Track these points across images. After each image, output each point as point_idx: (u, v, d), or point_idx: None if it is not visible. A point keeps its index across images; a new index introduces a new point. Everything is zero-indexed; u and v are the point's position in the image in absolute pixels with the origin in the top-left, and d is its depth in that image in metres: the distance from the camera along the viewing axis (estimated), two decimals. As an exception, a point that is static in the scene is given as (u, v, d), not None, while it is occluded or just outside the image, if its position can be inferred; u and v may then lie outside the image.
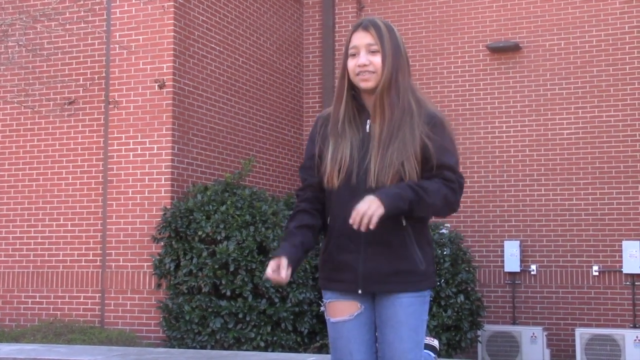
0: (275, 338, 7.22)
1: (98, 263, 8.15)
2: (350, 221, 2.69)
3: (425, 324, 2.91)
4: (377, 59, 2.86)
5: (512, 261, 9.53)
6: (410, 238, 2.84)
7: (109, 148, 8.18)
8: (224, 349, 7.18)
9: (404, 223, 2.84)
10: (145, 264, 7.88)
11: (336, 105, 2.95)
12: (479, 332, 8.74)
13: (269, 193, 8.60)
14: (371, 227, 2.67)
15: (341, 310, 2.91)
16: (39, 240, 8.42)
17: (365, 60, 2.86)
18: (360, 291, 2.85)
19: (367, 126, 2.90)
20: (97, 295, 8.12)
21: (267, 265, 2.85)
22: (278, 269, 2.80)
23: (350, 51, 2.90)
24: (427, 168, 2.83)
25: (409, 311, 2.83)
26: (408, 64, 2.95)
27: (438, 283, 7.90)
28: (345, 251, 2.87)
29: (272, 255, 2.92)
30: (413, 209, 2.75)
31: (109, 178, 8.15)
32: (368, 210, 2.67)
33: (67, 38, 8.53)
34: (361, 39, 2.89)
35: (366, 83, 2.88)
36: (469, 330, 8.12)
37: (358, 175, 2.84)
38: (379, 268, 2.83)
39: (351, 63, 2.90)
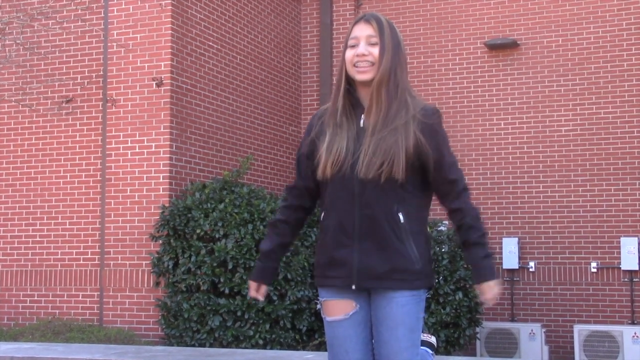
0: (273, 336, 7.22)
1: (96, 261, 8.15)
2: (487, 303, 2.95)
3: (421, 322, 2.90)
4: (376, 51, 2.87)
5: (510, 258, 9.54)
6: (407, 235, 2.82)
7: (107, 146, 8.18)
8: (223, 346, 7.18)
9: (402, 220, 2.82)
10: (144, 262, 7.87)
11: (335, 97, 2.95)
12: (477, 329, 8.74)
13: (267, 191, 8.60)
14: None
15: (337, 309, 2.90)
16: (37, 239, 8.42)
17: (364, 50, 2.86)
18: (354, 287, 2.84)
19: (361, 121, 2.89)
20: (95, 293, 8.12)
21: (248, 282, 3.17)
22: (258, 291, 3.09)
23: (350, 42, 2.91)
24: (436, 175, 2.87)
25: (404, 310, 2.82)
26: (406, 62, 2.96)
27: (436, 280, 7.90)
28: (339, 246, 2.86)
29: (253, 276, 3.12)
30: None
31: (107, 176, 8.14)
32: (496, 295, 2.90)
33: (64, 36, 8.52)
34: (362, 30, 2.89)
35: (362, 75, 2.87)
36: (467, 327, 8.13)
37: (350, 167, 2.83)
38: (373, 264, 2.81)
39: (349, 53, 2.90)
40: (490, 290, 2.87)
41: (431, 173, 2.87)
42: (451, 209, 2.91)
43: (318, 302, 3.06)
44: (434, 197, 3.01)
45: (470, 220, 2.88)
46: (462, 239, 2.91)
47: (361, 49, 2.86)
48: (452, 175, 2.88)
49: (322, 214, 2.94)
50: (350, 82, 2.93)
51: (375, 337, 2.88)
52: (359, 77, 2.88)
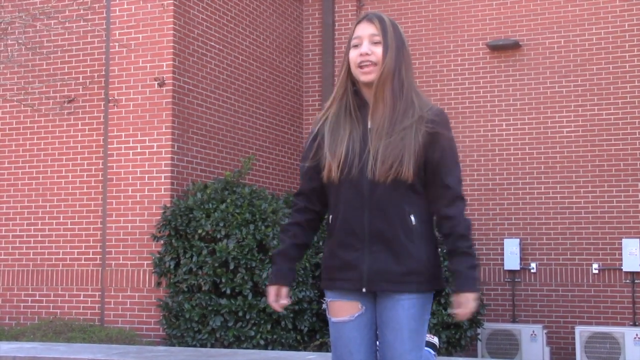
0: (275, 336, 7.22)
1: (98, 261, 8.15)
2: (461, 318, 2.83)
3: (426, 324, 2.87)
4: (379, 50, 2.83)
5: (512, 259, 9.54)
6: (418, 237, 2.80)
7: (108, 146, 8.18)
8: (224, 347, 7.18)
9: (413, 222, 2.79)
10: (145, 262, 7.87)
11: (336, 99, 2.91)
12: (478, 330, 8.74)
13: (268, 191, 8.60)
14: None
15: (342, 310, 2.87)
16: (39, 239, 8.42)
17: (367, 50, 2.82)
18: (364, 290, 2.81)
19: (368, 122, 2.84)
20: (97, 293, 8.12)
21: (267, 290, 3.00)
22: (277, 298, 2.94)
23: (353, 42, 2.87)
24: (431, 177, 2.81)
25: (410, 313, 2.79)
26: (411, 61, 2.92)
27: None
28: (349, 249, 2.82)
29: (270, 281, 3.01)
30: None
31: (108, 176, 8.15)
32: (472, 310, 2.79)
33: (66, 36, 8.53)
34: (365, 29, 2.86)
35: (367, 76, 2.83)
36: (468, 328, 8.13)
37: (358, 169, 2.79)
38: (384, 267, 2.78)
39: (353, 53, 2.86)
40: (468, 303, 2.77)
41: (428, 174, 2.81)
42: (442, 215, 2.82)
43: (324, 302, 3.02)
44: None
45: (463, 229, 2.79)
46: (450, 247, 2.81)
47: (364, 48, 2.82)
48: (447, 180, 2.80)
49: (330, 217, 2.90)
50: (355, 83, 2.89)
51: (380, 338, 2.86)
52: (364, 78, 2.84)
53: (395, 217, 2.78)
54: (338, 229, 2.85)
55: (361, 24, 2.88)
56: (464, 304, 2.77)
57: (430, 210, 2.86)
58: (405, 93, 2.83)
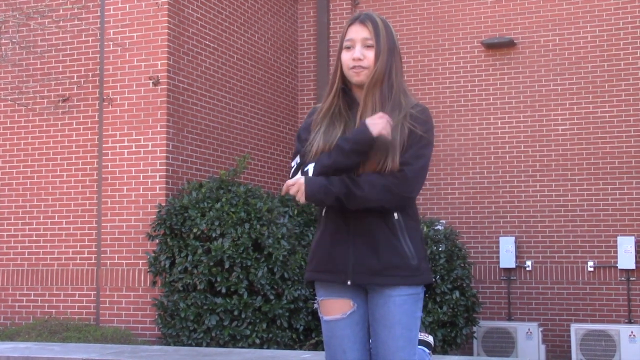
0: (270, 335, 7.22)
1: (93, 261, 8.13)
2: (283, 190, 2.83)
3: (419, 321, 2.89)
4: (371, 54, 2.87)
5: (507, 257, 9.54)
6: (402, 232, 2.83)
7: (103, 145, 8.17)
8: (220, 346, 7.18)
9: (396, 216, 2.83)
10: (141, 261, 7.86)
11: (328, 97, 2.96)
12: (474, 328, 8.74)
13: (264, 190, 8.60)
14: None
15: (334, 308, 2.90)
16: (34, 238, 8.40)
17: (359, 55, 2.86)
18: (349, 282, 2.84)
19: (357, 120, 2.88)
20: (92, 293, 8.11)
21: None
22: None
23: (346, 44, 2.91)
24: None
25: (402, 310, 2.82)
26: (401, 63, 2.96)
27: (433, 279, 7.89)
28: (335, 242, 2.87)
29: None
30: (342, 203, 2.77)
31: (103, 175, 8.13)
32: (294, 189, 2.77)
33: (60, 35, 8.51)
34: (357, 32, 2.89)
35: (357, 77, 2.88)
36: (464, 326, 8.13)
37: None
38: (369, 260, 2.82)
39: (346, 56, 2.90)
40: (297, 181, 2.76)
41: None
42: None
43: (315, 301, 3.04)
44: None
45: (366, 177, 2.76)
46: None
47: (357, 54, 2.87)
48: (402, 166, 2.77)
49: (323, 210, 2.93)
50: (346, 82, 2.94)
51: (373, 336, 2.88)
52: (355, 79, 2.89)
53: (379, 211, 2.81)
54: (325, 222, 2.90)
55: (354, 25, 2.91)
56: (297, 178, 2.79)
57: (414, 203, 2.92)
58: (394, 95, 2.88)
